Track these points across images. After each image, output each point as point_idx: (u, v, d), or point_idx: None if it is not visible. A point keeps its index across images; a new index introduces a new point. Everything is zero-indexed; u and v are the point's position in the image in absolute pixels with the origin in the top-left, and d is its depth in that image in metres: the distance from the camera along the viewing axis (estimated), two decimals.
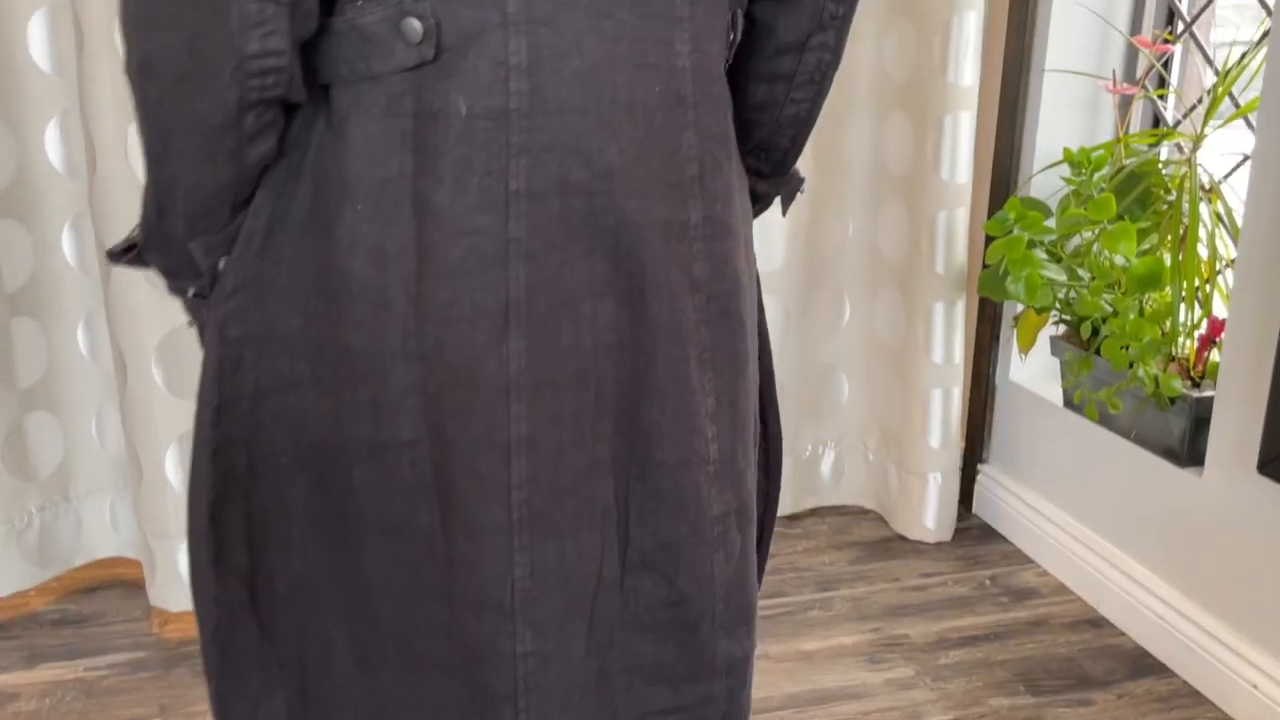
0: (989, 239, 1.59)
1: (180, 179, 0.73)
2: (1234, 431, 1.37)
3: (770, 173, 0.93)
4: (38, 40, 1.54)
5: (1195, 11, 1.61)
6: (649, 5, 0.75)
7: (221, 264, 0.77)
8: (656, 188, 0.77)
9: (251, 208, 0.75)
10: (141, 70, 0.69)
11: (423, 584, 0.80)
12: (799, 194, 0.98)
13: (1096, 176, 1.42)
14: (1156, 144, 1.60)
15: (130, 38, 0.68)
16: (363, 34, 0.71)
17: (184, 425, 1.56)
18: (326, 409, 0.78)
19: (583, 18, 0.73)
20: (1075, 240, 1.56)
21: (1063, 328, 1.65)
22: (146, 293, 1.50)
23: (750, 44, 0.86)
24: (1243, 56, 1.45)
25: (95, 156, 1.45)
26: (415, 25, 0.70)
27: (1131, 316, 1.40)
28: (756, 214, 0.94)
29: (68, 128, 1.58)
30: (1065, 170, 1.63)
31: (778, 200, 0.97)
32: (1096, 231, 1.43)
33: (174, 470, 1.58)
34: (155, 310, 1.51)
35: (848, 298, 1.92)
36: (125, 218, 1.46)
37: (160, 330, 1.52)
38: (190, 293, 0.80)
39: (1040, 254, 1.45)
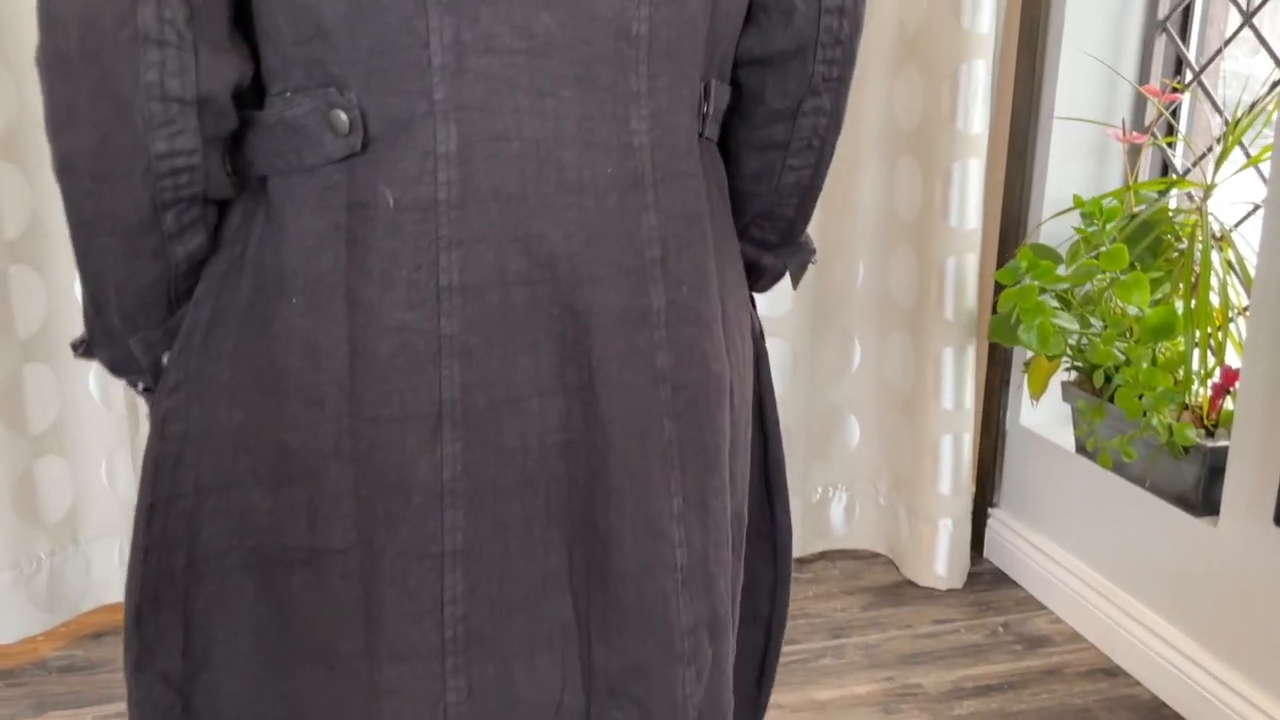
0: (999, 286, 1.60)
1: (109, 275, 0.72)
2: (1249, 482, 1.36)
3: (778, 243, 0.89)
4: None
5: (1203, 61, 1.62)
6: (596, 81, 0.70)
7: (165, 359, 0.74)
8: (609, 273, 0.72)
9: (193, 301, 0.73)
10: (61, 170, 0.68)
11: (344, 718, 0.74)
12: (811, 264, 0.94)
13: (1109, 226, 1.43)
14: (1166, 191, 1.61)
15: (50, 138, 0.68)
16: (291, 126, 0.69)
17: None
18: (268, 509, 0.74)
19: (522, 98, 0.69)
20: (1085, 285, 1.56)
21: (1074, 373, 1.65)
22: None
23: (739, 111, 0.82)
24: (1253, 106, 1.45)
25: None
26: (341, 117, 0.68)
27: (1145, 365, 1.40)
28: (764, 288, 0.91)
29: None
30: (1075, 216, 1.63)
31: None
32: (1109, 280, 1.43)
33: None
34: None
35: (857, 341, 1.92)
36: None
37: None
38: (140, 387, 0.78)
39: (1051, 301, 1.45)
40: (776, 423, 0.91)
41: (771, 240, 0.88)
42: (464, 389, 0.70)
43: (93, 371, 1.68)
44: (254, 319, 0.71)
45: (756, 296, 0.91)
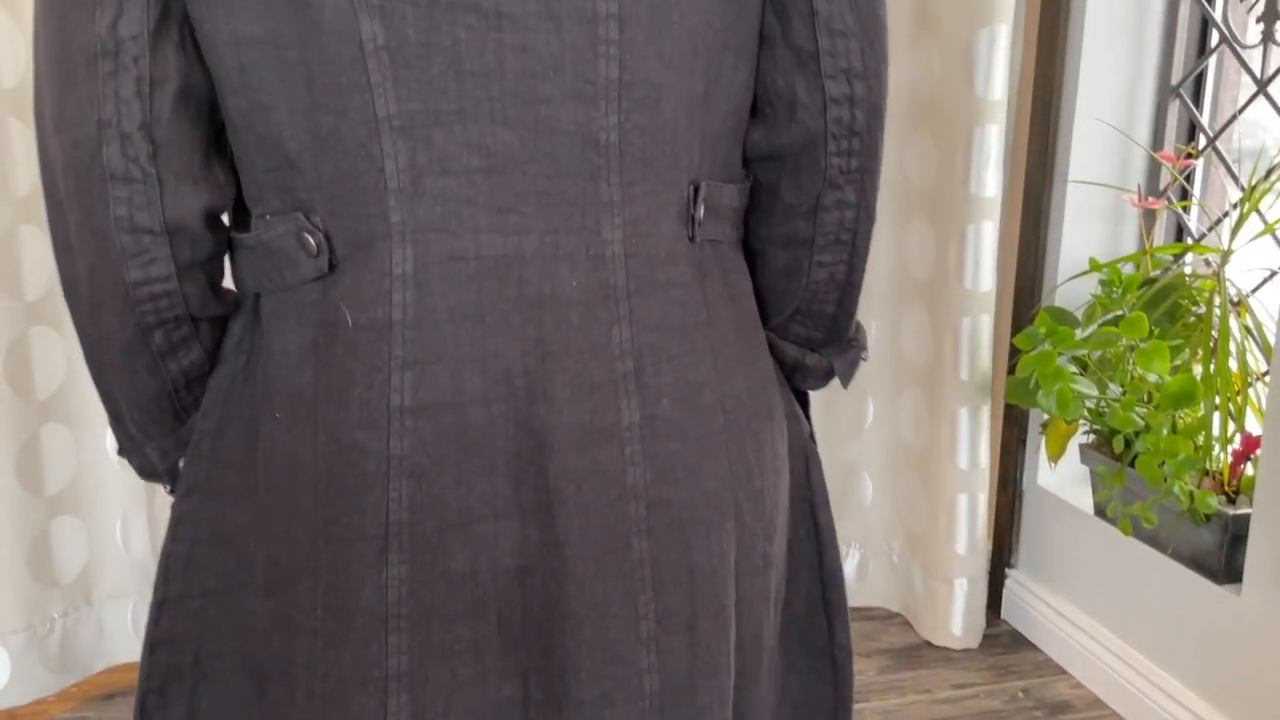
0: (1014, 347, 1.60)
1: (116, 389, 0.76)
2: (1272, 551, 1.35)
3: (824, 340, 0.85)
4: None
5: (1217, 126, 1.63)
6: (562, 194, 0.69)
7: (181, 464, 0.77)
8: (570, 389, 0.70)
9: (201, 411, 0.75)
10: (65, 294, 0.73)
11: None
12: (862, 360, 0.89)
13: (1128, 295, 1.43)
14: (1182, 255, 1.62)
15: (56, 264, 0.73)
16: (269, 248, 0.72)
17: None
18: (262, 615, 0.75)
19: (482, 216, 0.68)
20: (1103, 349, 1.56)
21: (1091, 436, 1.65)
22: None
23: (759, 207, 0.80)
24: (1268, 174, 1.46)
25: None
26: (310, 240, 0.70)
27: (1165, 432, 1.40)
28: (814, 386, 0.88)
29: None
30: (1091, 278, 1.64)
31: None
32: (1129, 346, 1.44)
33: None
34: None
35: (870, 399, 1.92)
36: None
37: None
38: (168, 489, 0.80)
39: (1069, 365, 1.46)
40: (832, 531, 0.87)
41: (817, 337, 0.85)
42: (412, 511, 0.69)
43: (108, 431, 1.68)
44: (255, 430, 0.73)
45: None
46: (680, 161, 0.71)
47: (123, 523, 1.72)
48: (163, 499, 1.54)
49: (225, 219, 0.75)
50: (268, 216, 0.71)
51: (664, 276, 0.72)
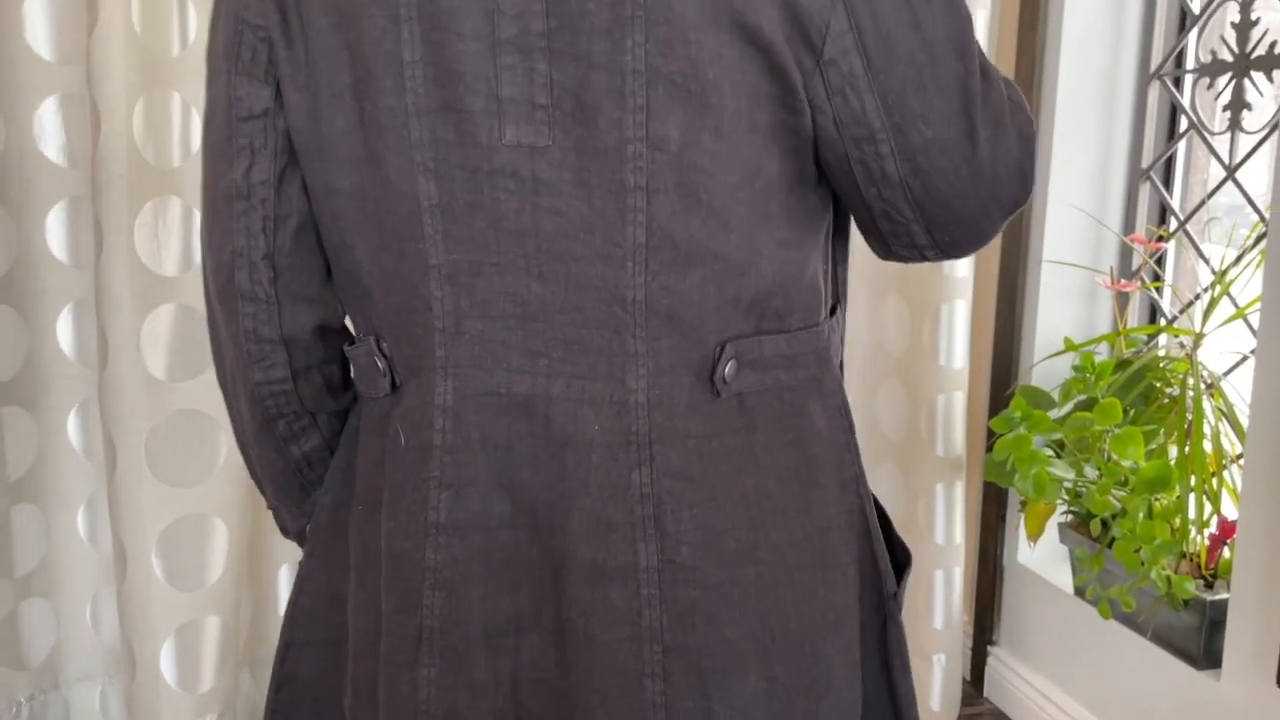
0: (991, 431, 1.60)
1: (254, 463, 0.90)
2: (1251, 638, 1.35)
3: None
4: (55, 231, 1.57)
5: (1188, 207, 1.66)
6: (588, 344, 0.73)
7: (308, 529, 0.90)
8: (586, 526, 0.74)
9: (323, 487, 0.87)
10: (219, 384, 0.88)
11: None
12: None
13: (1101, 381, 1.44)
14: (1155, 336, 1.63)
15: (212, 357, 0.88)
16: (358, 363, 0.83)
17: (182, 618, 1.53)
18: (349, 675, 0.84)
19: (515, 358, 0.75)
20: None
21: (1070, 515, 1.65)
22: (151, 483, 1.49)
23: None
24: (1238, 258, 1.48)
25: (107, 349, 1.46)
26: (378, 363, 0.80)
27: (1141, 516, 1.40)
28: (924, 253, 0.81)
29: (80, 315, 1.60)
30: (1066, 356, 1.65)
31: None
32: (1103, 432, 1.44)
33: (169, 664, 1.54)
34: (158, 501, 1.50)
35: None
36: (132, 409, 1.46)
37: (163, 520, 1.50)
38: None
39: (1046, 449, 1.46)
40: (911, 700, 0.85)
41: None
42: (442, 620, 0.76)
43: (80, 511, 1.66)
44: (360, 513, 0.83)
45: None
46: (707, 324, 0.74)
47: (93, 604, 1.69)
48: (134, 580, 1.51)
49: (344, 328, 0.87)
50: (361, 335, 0.82)
51: (685, 427, 0.75)
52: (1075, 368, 1.48)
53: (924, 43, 0.70)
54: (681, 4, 0.67)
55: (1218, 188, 1.57)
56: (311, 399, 0.85)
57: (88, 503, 1.66)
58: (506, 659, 0.76)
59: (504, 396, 0.75)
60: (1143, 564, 1.39)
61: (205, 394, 1.51)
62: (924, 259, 0.78)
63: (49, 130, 1.53)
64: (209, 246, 0.81)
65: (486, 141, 0.72)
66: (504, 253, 0.73)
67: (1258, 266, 1.45)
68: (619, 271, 0.72)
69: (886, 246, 0.78)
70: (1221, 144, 1.55)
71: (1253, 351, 1.49)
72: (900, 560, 0.87)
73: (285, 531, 0.94)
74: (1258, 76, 1.47)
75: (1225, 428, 1.49)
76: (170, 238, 1.47)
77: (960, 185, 0.73)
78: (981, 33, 1.60)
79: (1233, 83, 1.50)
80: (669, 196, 0.70)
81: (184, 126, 1.47)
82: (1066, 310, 1.74)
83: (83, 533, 1.67)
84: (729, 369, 0.75)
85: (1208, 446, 1.46)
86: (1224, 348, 1.53)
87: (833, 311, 0.83)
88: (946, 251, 0.77)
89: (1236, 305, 1.48)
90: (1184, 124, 1.62)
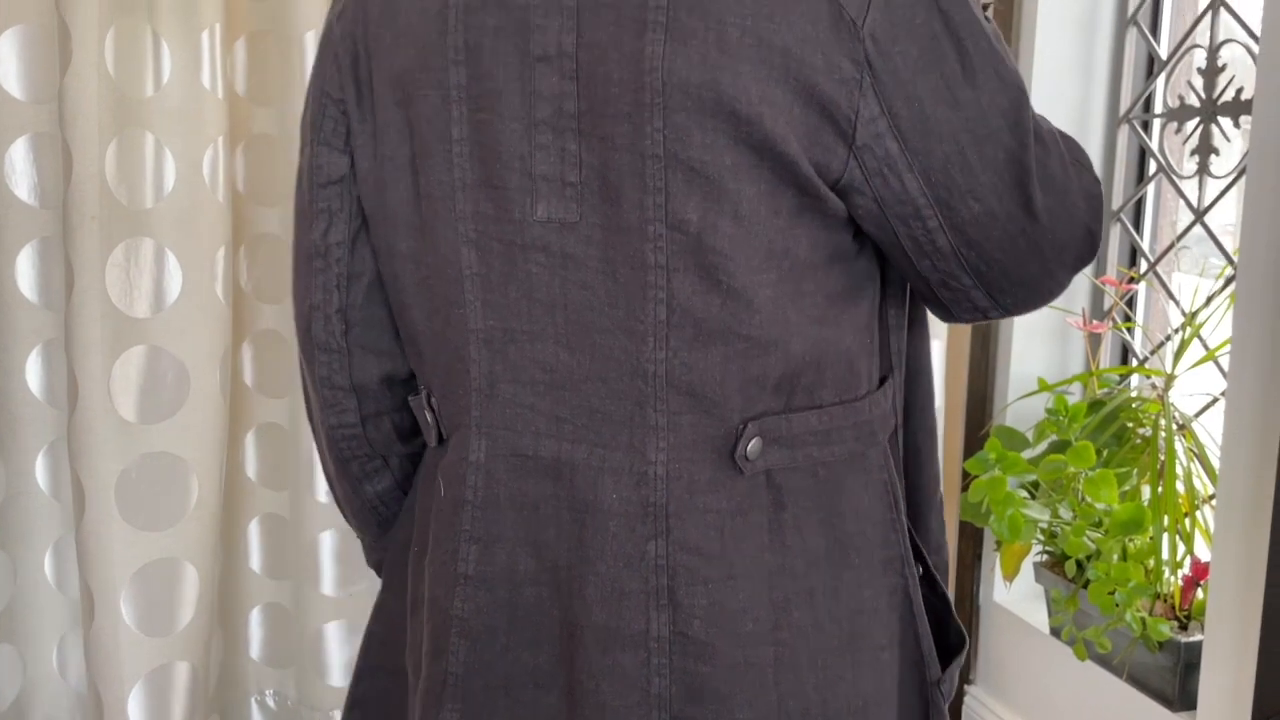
0: (966, 472, 1.61)
1: (337, 497, 0.97)
2: (1226, 682, 1.35)
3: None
4: (25, 271, 1.55)
5: (1158, 248, 1.68)
6: (610, 414, 0.74)
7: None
8: (600, 592, 0.75)
9: (397, 524, 0.93)
10: (311, 426, 0.96)
11: None
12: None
13: (1074, 424, 1.45)
14: (1127, 377, 1.64)
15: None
16: (416, 414, 0.88)
17: (151, 663, 1.51)
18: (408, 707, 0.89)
19: (542, 422, 0.77)
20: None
21: (1045, 555, 1.65)
22: (120, 526, 1.47)
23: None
24: (1208, 300, 1.50)
25: (77, 390, 1.45)
26: (428, 415, 0.85)
27: (1115, 558, 1.40)
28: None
29: (50, 356, 1.58)
30: (1040, 395, 1.66)
31: None
32: (1077, 475, 1.45)
33: (137, 710, 1.51)
34: (127, 544, 1.48)
35: None
36: (102, 451, 1.44)
37: (133, 564, 1.48)
38: None
39: (1020, 490, 1.46)
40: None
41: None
42: (465, 668, 0.78)
43: (48, 554, 1.63)
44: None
45: None
46: (730, 401, 0.74)
47: (60, 649, 1.67)
48: (101, 625, 1.49)
49: (411, 378, 0.92)
50: (420, 387, 0.87)
51: (706, 502, 0.74)
52: (1049, 411, 1.49)
53: (966, 121, 0.70)
54: (698, 92, 0.67)
55: (1185, 231, 1.59)
56: (381, 443, 0.91)
57: (55, 546, 1.64)
58: (525, 711, 0.78)
59: (532, 459, 0.77)
60: (1117, 606, 1.40)
61: (176, 436, 1.49)
62: (988, 319, 0.80)
63: (20, 170, 1.52)
64: (294, 299, 0.89)
65: (520, 216, 0.74)
66: (535, 321, 0.76)
67: (1226, 310, 1.47)
68: (640, 346, 0.72)
69: (948, 312, 0.79)
70: (1189, 186, 1.57)
71: (1223, 393, 1.50)
72: (952, 645, 0.86)
73: (368, 561, 1.02)
74: (1224, 121, 1.49)
75: (1197, 468, 1.50)
76: (142, 279, 1.46)
77: (1019, 253, 0.74)
78: None
79: (1200, 128, 1.52)
80: (689, 276, 0.71)
81: (156, 167, 1.46)
82: (1039, 350, 1.75)
83: (50, 576, 1.64)
84: (752, 446, 0.74)
85: (1180, 487, 1.47)
86: (1194, 389, 1.54)
87: (881, 382, 0.82)
88: (1012, 311, 0.79)
89: (1207, 347, 1.50)
90: (1153, 166, 1.65)
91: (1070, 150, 0.77)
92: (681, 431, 0.74)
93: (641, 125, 0.69)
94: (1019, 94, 0.72)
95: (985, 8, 0.84)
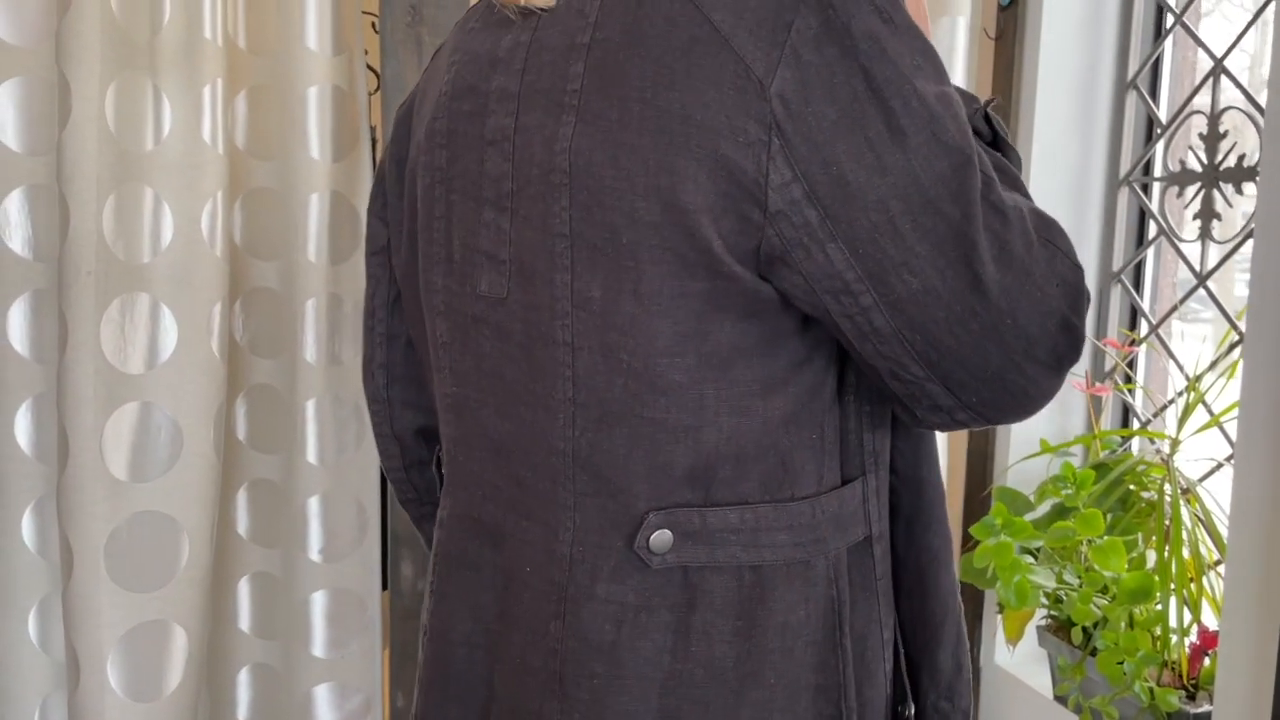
0: (969, 535, 1.59)
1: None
2: None
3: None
4: (16, 324, 1.53)
5: (1159, 310, 1.68)
6: (534, 489, 0.78)
7: None
8: (512, 666, 0.77)
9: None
10: None
11: None
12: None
13: (1082, 492, 1.44)
14: (1129, 439, 1.64)
15: None
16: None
17: None
18: None
19: (486, 488, 0.82)
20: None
21: (1049, 619, 1.63)
22: (109, 587, 1.44)
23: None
24: (1212, 364, 1.50)
25: (68, 447, 1.42)
26: (436, 472, 0.94)
27: (1123, 626, 1.38)
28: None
29: (39, 411, 1.55)
30: (1040, 456, 1.65)
31: None
32: (1084, 542, 1.43)
33: None
34: (115, 606, 1.44)
35: None
36: (91, 510, 1.41)
37: (121, 627, 1.45)
38: None
39: (1025, 555, 1.45)
40: None
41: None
42: (419, 715, 0.85)
43: (32, 614, 1.59)
44: None
45: None
46: (635, 487, 0.71)
47: (41, 712, 1.62)
48: (87, 689, 1.45)
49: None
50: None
51: (609, 592, 0.72)
52: (1056, 479, 1.48)
53: (895, 187, 0.63)
54: (600, 169, 0.67)
55: (1188, 295, 1.59)
56: (425, 490, 1.00)
57: (40, 605, 1.60)
58: None
59: (477, 522, 0.81)
60: (1126, 675, 1.38)
61: (168, 495, 1.46)
62: (958, 424, 0.71)
63: (14, 222, 1.50)
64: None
65: (471, 290, 0.78)
66: (482, 390, 0.79)
67: (1230, 377, 1.46)
68: (552, 422, 0.73)
69: (910, 412, 0.72)
70: (1191, 250, 1.57)
71: (1228, 458, 1.50)
72: None
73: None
74: (1226, 188, 1.49)
75: (1202, 533, 1.49)
76: (137, 334, 1.44)
77: (972, 340, 0.66)
78: None
79: (1202, 192, 1.53)
80: (593, 355, 0.70)
81: (154, 222, 1.45)
82: (1041, 411, 1.74)
83: (34, 637, 1.60)
84: (657, 538, 0.70)
85: (1186, 553, 1.46)
86: (1197, 454, 1.53)
87: (846, 482, 0.76)
88: (984, 414, 0.70)
89: (1211, 411, 1.49)
90: (1153, 229, 1.65)
91: (1043, 229, 0.69)
92: (588, 513, 0.72)
93: (551, 205, 0.70)
94: (962, 159, 0.64)
95: (989, 103, 0.79)
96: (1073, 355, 0.70)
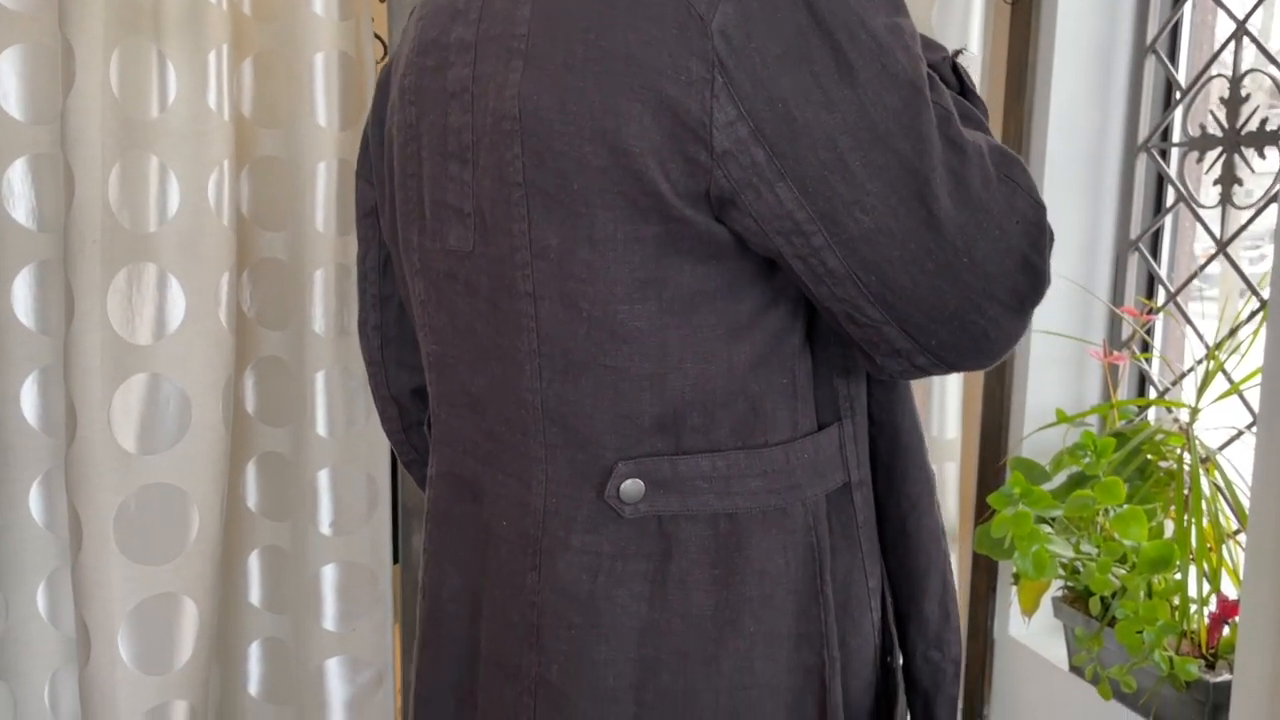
0: (982, 500, 1.58)
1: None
2: None
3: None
4: (22, 296, 1.51)
5: (1178, 278, 1.66)
6: (507, 442, 0.77)
7: None
8: (493, 621, 0.76)
9: None
10: None
11: None
12: None
13: (1102, 459, 1.42)
14: (1147, 408, 1.62)
15: None
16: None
17: (149, 702, 1.46)
18: None
19: (465, 443, 0.81)
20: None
21: (1066, 590, 1.62)
22: (119, 560, 1.42)
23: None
24: (1232, 331, 1.48)
25: (76, 419, 1.40)
26: (427, 429, 0.96)
27: (1141, 595, 1.37)
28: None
29: (46, 383, 1.54)
30: (1057, 427, 1.64)
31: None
32: (1102, 511, 1.42)
33: None
34: (125, 579, 1.43)
35: None
36: (100, 482, 1.40)
37: (131, 600, 1.44)
38: None
39: (1044, 527, 1.43)
40: None
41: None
42: (416, 673, 0.86)
43: (41, 588, 1.58)
44: None
45: None
46: (603, 438, 0.70)
47: (51, 687, 1.61)
48: (97, 662, 1.44)
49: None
50: None
51: (584, 542, 0.71)
52: (1076, 446, 1.46)
53: (844, 123, 0.61)
54: (548, 114, 0.65)
55: (1209, 261, 1.57)
56: (425, 451, 0.99)
57: (49, 579, 1.59)
58: (446, 715, 0.83)
59: (459, 478, 0.81)
60: (1145, 645, 1.37)
61: (177, 467, 1.45)
62: (919, 370, 0.68)
63: (18, 192, 1.48)
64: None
65: (442, 246, 0.77)
66: (457, 347, 0.78)
67: (1252, 342, 1.45)
68: (519, 375, 0.72)
69: (869, 358, 0.70)
70: (1211, 216, 1.55)
71: (1249, 426, 1.48)
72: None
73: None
74: (1249, 152, 1.47)
75: (1222, 503, 1.47)
76: (144, 305, 1.42)
77: (929, 279, 0.64)
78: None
79: (1223, 158, 1.50)
80: (554, 305, 0.69)
81: (161, 191, 1.43)
82: (1057, 381, 1.73)
83: (43, 611, 1.59)
84: (628, 486, 0.69)
85: (1205, 522, 1.45)
86: (1215, 422, 1.52)
87: (822, 427, 0.74)
88: (944, 358, 0.67)
89: (1230, 380, 1.47)
90: (1171, 195, 1.63)
91: (1003, 165, 0.66)
92: (558, 465, 0.72)
93: (504, 153, 0.68)
94: (913, 93, 0.62)
95: (956, 53, 0.76)
96: (1034, 295, 0.67)
